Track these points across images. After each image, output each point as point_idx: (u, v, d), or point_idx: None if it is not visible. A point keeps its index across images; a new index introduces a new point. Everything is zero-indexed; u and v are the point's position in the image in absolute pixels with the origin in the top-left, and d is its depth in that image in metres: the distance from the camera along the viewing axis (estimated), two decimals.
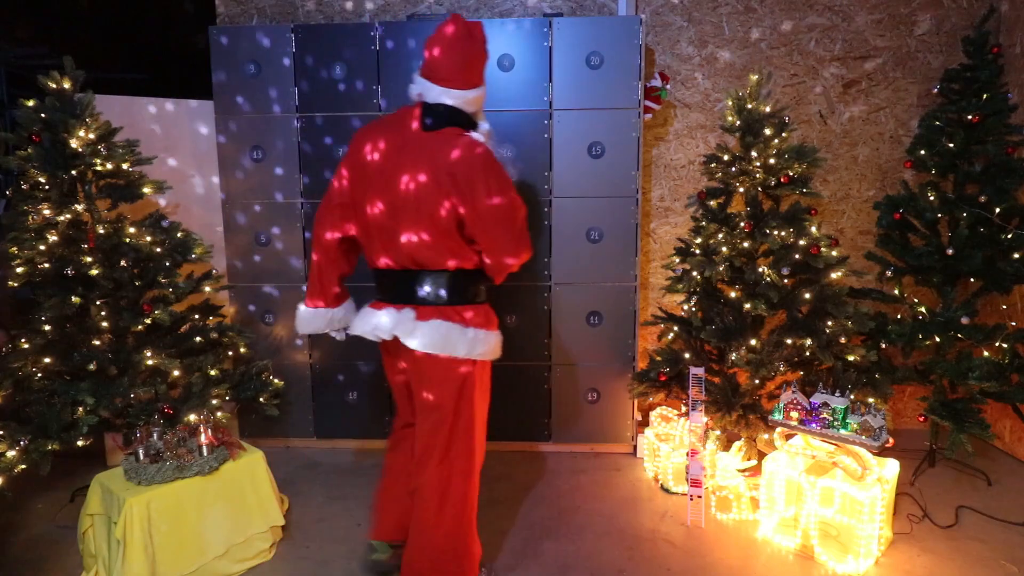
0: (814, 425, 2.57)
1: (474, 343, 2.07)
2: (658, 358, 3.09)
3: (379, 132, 2.10)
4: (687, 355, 3.02)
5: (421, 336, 2.03)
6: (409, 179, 2.01)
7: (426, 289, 2.07)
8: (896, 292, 3.22)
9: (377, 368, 3.39)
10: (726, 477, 2.85)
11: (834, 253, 2.86)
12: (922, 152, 3.08)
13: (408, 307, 2.09)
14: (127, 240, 2.86)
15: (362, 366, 3.40)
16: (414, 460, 2.20)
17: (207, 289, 3.07)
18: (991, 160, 2.95)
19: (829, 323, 2.82)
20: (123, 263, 2.86)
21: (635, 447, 3.40)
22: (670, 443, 3.07)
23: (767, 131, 2.87)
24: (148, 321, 2.87)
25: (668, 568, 2.47)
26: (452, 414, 2.12)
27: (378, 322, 2.10)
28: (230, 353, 3.20)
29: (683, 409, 3.13)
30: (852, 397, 2.62)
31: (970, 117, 2.94)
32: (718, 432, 2.97)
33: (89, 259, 2.78)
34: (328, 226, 2.18)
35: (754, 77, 2.92)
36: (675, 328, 3.14)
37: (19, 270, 2.73)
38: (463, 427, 2.15)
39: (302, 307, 2.28)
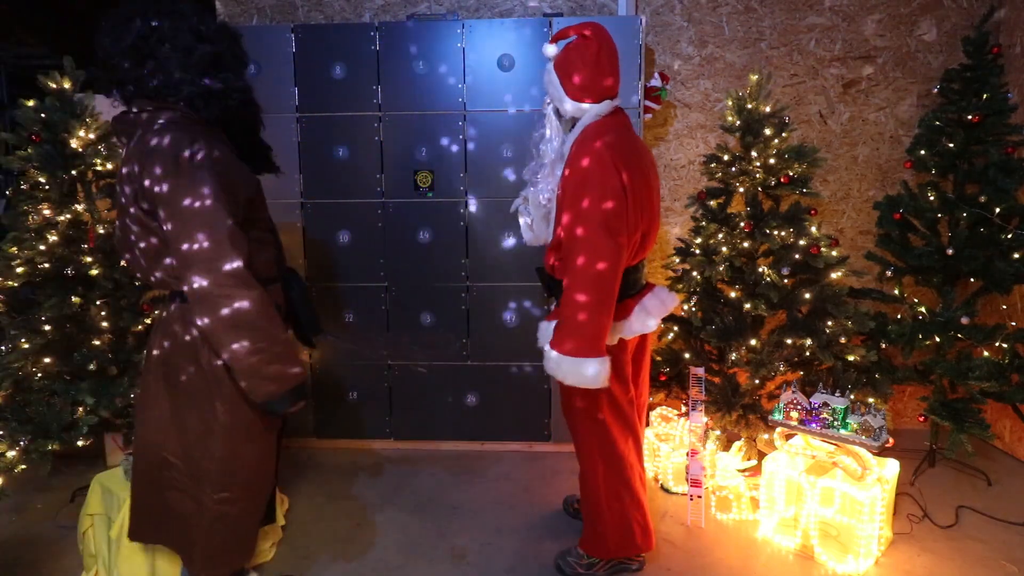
0: (814, 425, 2.57)
1: None
2: (658, 358, 3.09)
3: (632, 153, 2.09)
4: (687, 355, 3.02)
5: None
6: (655, 173, 2.24)
7: None
8: (896, 292, 3.22)
9: (376, 368, 3.39)
10: (726, 477, 2.85)
11: (834, 253, 2.86)
12: (922, 152, 3.08)
13: (654, 285, 2.35)
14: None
15: (362, 366, 3.40)
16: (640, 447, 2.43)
17: None
18: (991, 160, 2.95)
19: (829, 323, 2.82)
20: (123, 263, 2.86)
21: None
22: (670, 443, 3.07)
23: (767, 131, 2.87)
24: (148, 321, 2.87)
25: (668, 568, 2.47)
26: None
27: (659, 305, 2.27)
28: None
29: (683, 409, 3.13)
30: (852, 397, 2.62)
31: (970, 117, 2.94)
32: (718, 432, 2.97)
33: (89, 259, 2.78)
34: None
35: (754, 77, 2.93)
36: (675, 328, 3.14)
37: (19, 270, 2.73)
38: None
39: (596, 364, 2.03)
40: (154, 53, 1.67)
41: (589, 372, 1.98)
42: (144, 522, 1.99)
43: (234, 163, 1.77)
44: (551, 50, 2.14)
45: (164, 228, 1.70)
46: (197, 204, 1.65)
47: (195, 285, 1.67)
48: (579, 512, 2.70)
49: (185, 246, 1.66)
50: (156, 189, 1.66)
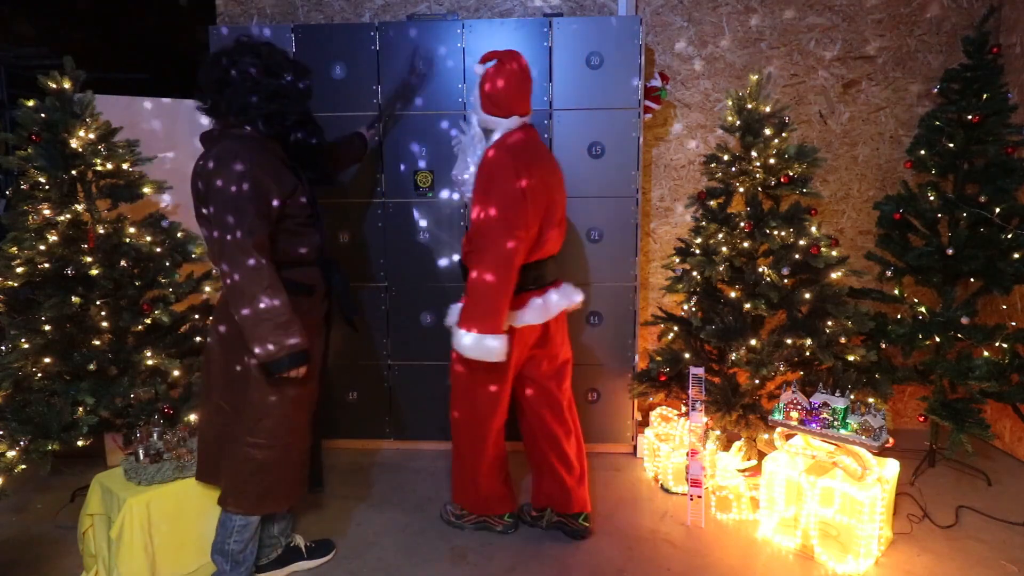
0: (814, 425, 2.57)
1: None
2: (658, 358, 3.09)
3: (537, 163, 2.39)
4: (687, 355, 3.02)
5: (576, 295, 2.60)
6: (561, 186, 2.53)
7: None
8: (896, 292, 3.22)
9: (376, 368, 3.39)
10: (726, 477, 2.85)
11: (834, 253, 2.86)
12: (922, 152, 3.08)
13: (561, 282, 2.58)
14: (127, 240, 2.86)
15: (362, 366, 3.40)
16: (563, 415, 2.65)
17: (207, 289, 3.07)
18: (991, 160, 2.95)
19: (829, 323, 2.82)
20: (123, 263, 2.86)
21: (635, 447, 3.39)
22: (670, 443, 3.07)
23: (767, 131, 2.87)
24: (148, 321, 2.87)
25: (668, 568, 2.47)
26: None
27: (559, 300, 2.52)
28: None
29: (683, 409, 3.13)
30: (852, 397, 2.62)
31: (970, 117, 2.93)
32: (718, 432, 2.97)
33: (89, 259, 2.78)
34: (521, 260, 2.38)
35: (754, 77, 2.92)
36: (675, 328, 3.14)
37: (19, 270, 2.73)
38: None
39: (496, 340, 2.31)
40: (232, 83, 2.11)
41: (489, 347, 2.29)
42: (204, 463, 2.29)
43: (273, 171, 2.12)
44: (479, 69, 2.42)
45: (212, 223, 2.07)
46: (229, 199, 2.03)
47: (223, 267, 2.06)
48: (536, 519, 2.75)
49: (216, 233, 2.05)
50: (208, 191, 2.06)
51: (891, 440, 2.48)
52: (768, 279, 2.87)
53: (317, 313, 2.31)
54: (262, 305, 2.04)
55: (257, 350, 2.06)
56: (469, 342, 2.29)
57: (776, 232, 2.85)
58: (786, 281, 2.87)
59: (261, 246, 2.07)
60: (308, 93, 2.27)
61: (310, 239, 2.26)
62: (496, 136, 2.42)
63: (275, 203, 2.11)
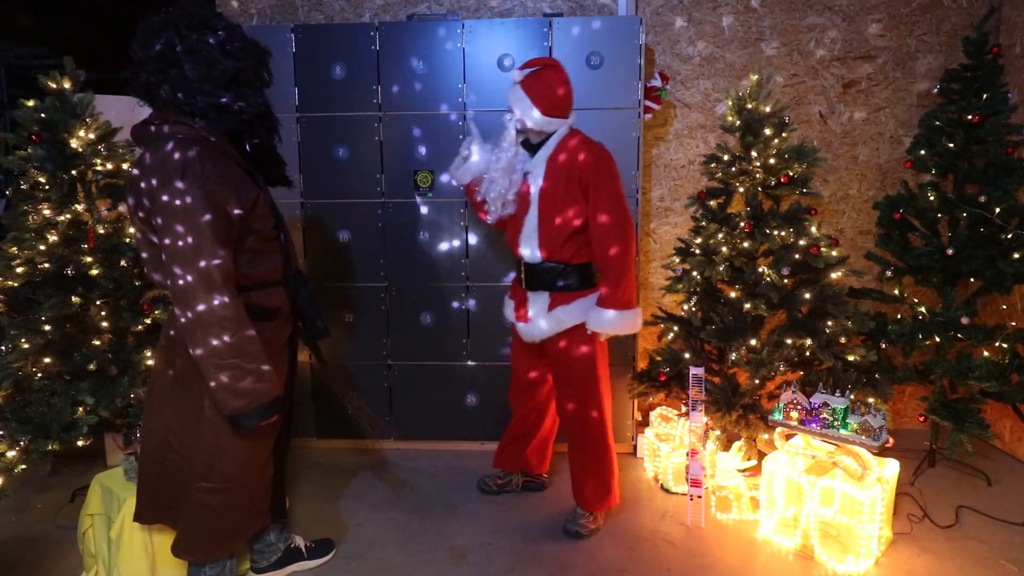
0: (814, 425, 2.57)
1: None
2: (658, 358, 3.08)
3: None
4: (687, 355, 3.02)
5: None
6: None
7: None
8: (896, 292, 3.22)
9: (376, 368, 3.39)
10: (726, 477, 2.85)
11: (834, 253, 2.86)
12: (922, 152, 3.08)
13: None
14: (127, 240, 2.86)
15: (362, 366, 3.40)
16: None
17: None
18: (991, 160, 2.95)
19: (829, 323, 2.82)
20: (123, 263, 2.86)
21: (635, 447, 3.39)
22: (670, 443, 3.07)
23: (767, 131, 2.87)
24: (148, 321, 2.87)
25: (668, 568, 2.47)
26: None
27: None
28: None
29: (683, 409, 3.13)
30: (852, 397, 2.62)
31: (970, 117, 2.93)
32: (718, 432, 2.97)
33: (89, 259, 2.78)
34: None
35: (754, 77, 2.92)
36: (675, 328, 3.14)
37: (19, 270, 2.73)
38: None
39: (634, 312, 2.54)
40: (179, 63, 1.76)
41: (639, 320, 2.57)
42: (145, 503, 2.07)
43: (230, 178, 1.83)
44: (518, 75, 2.51)
45: (159, 234, 1.80)
46: (181, 208, 1.74)
47: (178, 283, 1.76)
48: (502, 488, 3.01)
49: (167, 241, 1.75)
50: (155, 200, 1.77)
51: (891, 440, 2.48)
52: (768, 279, 2.87)
53: (280, 337, 2.05)
54: (230, 347, 1.74)
55: (223, 402, 1.80)
56: (629, 318, 2.49)
57: (776, 232, 2.85)
58: (786, 281, 2.87)
59: (228, 276, 1.78)
60: (269, 80, 1.96)
61: (274, 257, 1.99)
62: (559, 135, 2.54)
63: (236, 215, 1.82)
